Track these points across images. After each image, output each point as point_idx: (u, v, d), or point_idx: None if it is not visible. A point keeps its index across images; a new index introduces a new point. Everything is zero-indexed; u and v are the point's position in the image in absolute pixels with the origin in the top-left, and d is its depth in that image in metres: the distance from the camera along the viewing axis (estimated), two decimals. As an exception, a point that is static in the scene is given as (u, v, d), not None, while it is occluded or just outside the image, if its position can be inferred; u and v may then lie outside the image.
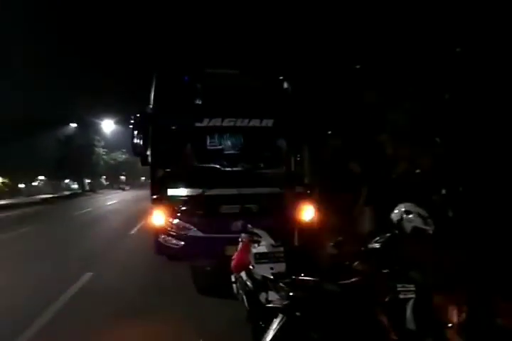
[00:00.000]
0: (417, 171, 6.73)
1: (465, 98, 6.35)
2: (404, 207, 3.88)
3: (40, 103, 41.48)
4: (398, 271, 3.60)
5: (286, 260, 3.98)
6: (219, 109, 6.36)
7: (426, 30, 6.77)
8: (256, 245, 4.13)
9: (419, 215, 3.78)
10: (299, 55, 9.50)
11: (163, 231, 6.20)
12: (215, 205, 6.09)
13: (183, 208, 6.18)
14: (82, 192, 52.47)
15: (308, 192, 6.70)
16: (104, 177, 73.99)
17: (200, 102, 6.40)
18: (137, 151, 6.18)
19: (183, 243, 6.13)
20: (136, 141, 6.12)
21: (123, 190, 61.26)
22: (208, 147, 6.62)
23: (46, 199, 42.03)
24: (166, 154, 6.40)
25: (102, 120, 48.36)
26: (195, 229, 6.11)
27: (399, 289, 3.50)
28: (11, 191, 53.19)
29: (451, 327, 3.46)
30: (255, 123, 6.40)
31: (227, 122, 6.30)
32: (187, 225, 6.14)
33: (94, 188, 59.31)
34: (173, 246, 6.17)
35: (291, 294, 3.26)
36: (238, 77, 6.98)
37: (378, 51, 7.29)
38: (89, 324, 4.84)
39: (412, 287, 3.49)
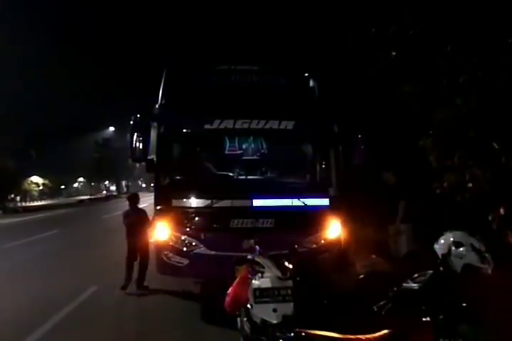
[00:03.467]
0: (469, 185, 5.49)
1: None
2: (453, 237, 2.92)
3: (82, 109, 44.20)
4: (443, 321, 2.71)
5: (296, 298, 3.09)
6: (233, 109, 5.68)
7: None
8: (257, 277, 3.26)
9: (474, 248, 2.83)
10: (325, 46, 8.51)
11: (167, 247, 5.52)
12: (225, 219, 5.38)
13: (190, 221, 5.49)
14: (118, 194, 53.56)
15: (335, 205, 5.78)
16: (142, 179, 75.67)
17: (212, 102, 5.73)
18: (136, 156, 5.56)
19: (188, 261, 5.43)
20: (135, 144, 5.46)
21: None
22: (220, 152, 5.91)
23: (82, 200, 43.32)
24: (172, 159, 5.79)
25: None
26: (201, 245, 5.40)
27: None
28: (52, 192, 55.21)
29: None
30: (273, 125, 5.61)
31: (241, 124, 5.57)
32: (193, 241, 5.44)
33: (131, 190, 60.46)
34: (176, 264, 5.48)
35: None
36: (257, 73, 6.26)
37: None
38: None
39: (461, 345, 2.59)
